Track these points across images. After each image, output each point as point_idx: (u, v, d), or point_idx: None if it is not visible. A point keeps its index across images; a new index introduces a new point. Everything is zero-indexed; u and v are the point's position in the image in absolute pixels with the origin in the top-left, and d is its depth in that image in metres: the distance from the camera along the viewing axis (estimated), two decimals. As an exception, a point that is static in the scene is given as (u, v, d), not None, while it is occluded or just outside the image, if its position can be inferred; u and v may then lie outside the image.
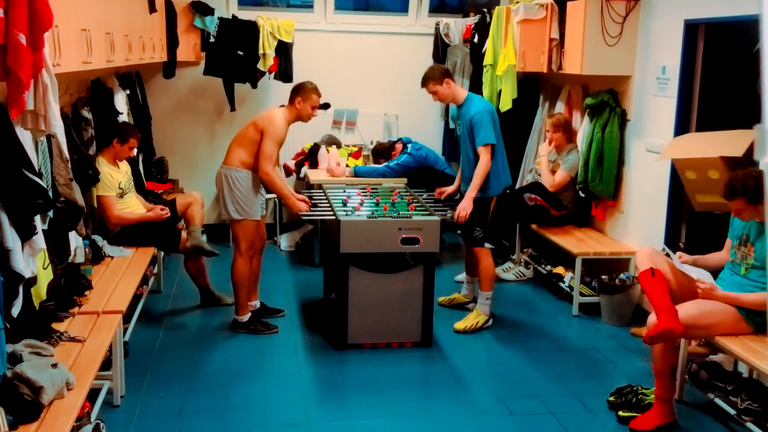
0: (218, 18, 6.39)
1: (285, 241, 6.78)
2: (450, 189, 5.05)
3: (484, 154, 4.50)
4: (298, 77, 6.25)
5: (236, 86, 6.69)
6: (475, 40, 6.53)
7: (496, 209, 4.70)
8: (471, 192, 4.58)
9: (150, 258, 4.74)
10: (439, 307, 4.66)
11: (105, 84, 5.24)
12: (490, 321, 4.76)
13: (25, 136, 2.99)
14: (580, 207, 5.65)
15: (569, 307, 5.31)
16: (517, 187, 6.08)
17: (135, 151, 5.13)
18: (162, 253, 5.49)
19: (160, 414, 3.64)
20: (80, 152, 4.20)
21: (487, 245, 4.71)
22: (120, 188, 4.80)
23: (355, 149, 6.78)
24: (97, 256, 4.42)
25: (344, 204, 4.73)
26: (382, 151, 6.50)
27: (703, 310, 3.47)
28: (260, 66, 6.48)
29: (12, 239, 2.84)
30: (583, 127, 5.51)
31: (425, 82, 4.63)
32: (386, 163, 6.16)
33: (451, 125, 7.02)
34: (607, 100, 5.21)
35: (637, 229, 5.15)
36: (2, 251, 2.81)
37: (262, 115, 4.65)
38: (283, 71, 6.64)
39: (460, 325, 4.73)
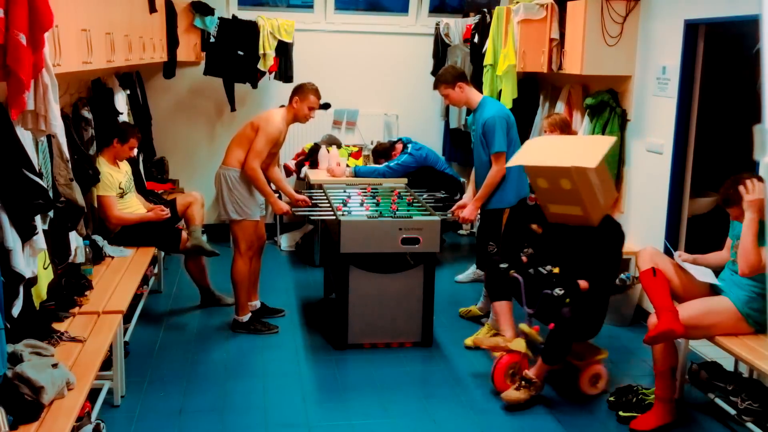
0: (218, 18, 6.40)
1: (285, 241, 6.79)
2: (463, 204, 4.84)
3: (495, 164, 4.35)
4: (298, 77, 6.26)
5: (236, 86, 6.69)
6: (475, 40, 6.54)
7: (510, 221, 4.47)
8: (477, 201, 4.48)
9: (150, 258, 4.74)
10: (437, 307, 4.64)
11: (105, 84, 5.25)
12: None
13: (25, 136, 2.99)
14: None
15: (569, 307, 5.30)
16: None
17: (135, 151, 5.13)
18: (162, 253, 5.50)
19: (160, 414, 3.64)
20: (80, 152, 4.20)
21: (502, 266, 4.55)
22: (120, 188, 4.80)
23: (356, 149, 6.78)
24: (97, 256, 4.42)
25: (344, 204, 4.73)
26: (382, 151, 6.50)
27: (703, 311, 3.47)
28: (260, 66, 6.49)
29: (12, 239, 2.84)
30: (583, 127, 5.51)
31: (436, 85, 4.51)
32: (386, 163, 6.16)
33: (447, 123, 7.04)
34: (607, 100, 5.21)
35: (637, 229, 5.15)
36: (3, 251, 2.81)
37: (260, 115, 4.66)
38: (284, 71, 6.65)
39: (470, 340, 4.58)
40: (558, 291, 3.67)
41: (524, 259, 4.07)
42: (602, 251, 3.80)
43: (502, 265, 4.06)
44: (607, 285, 3.86)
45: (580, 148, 3.84)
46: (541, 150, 3.99)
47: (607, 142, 3.86)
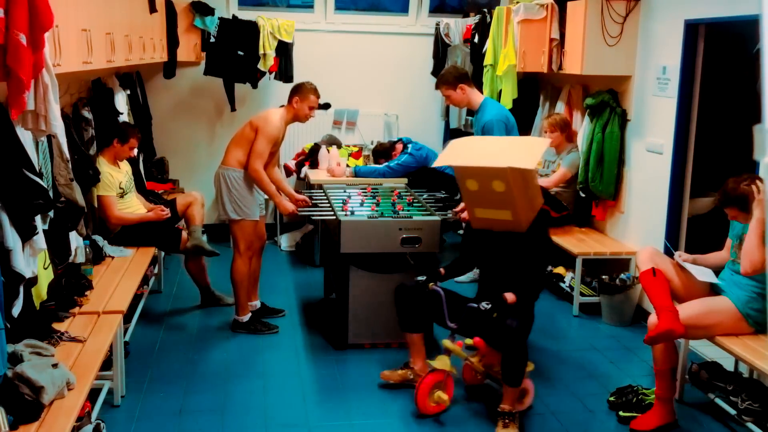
0: (218, 18, 6.40)
1: (285, 241, 6.79)
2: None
3: None
4: (298, 77, 6.26)
5: (236, 86, 6.69)
6: (476, 40, 6.54)
7: None
8: None
9: (150, 258, 4.74)
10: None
11: (105, 84, 5.25)
12: None
13: (25, 136, 2.99)
14: (580, 207, 5.65)
15: (569, 307, 5.31)
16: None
17: (135, 151, 5.13)
18: (162, 253, 5.50)
19: (160, 414, 3.64)
20: (81, 152, 4.21)
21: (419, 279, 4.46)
22: (120, 188, 4.80)
23: (356, 149, 6.78)
24: (97, 256, 4.42)
25: (344, 203, 4.73)
26: (382, 151, 6.50)
27: (703, 311, 3.47)
28: (260, 66, 6.49)
29: (13, 239, 2.84)
30: (583, 127, 5.51)
31: (438, 85, 4.48)
32: (386, 163, 6.16)
33: (447, 123, 7.03)
34: (607, 100, 5.21)
35: (638, 229, 5.15)
36: (3, 251, 2.81)
37: (259, 115, 4.67)
38: (284, 71, 6.65)
39: (469, 340, 4.60)
40: (485, 305, 3.44)
41: (442, 271, 3.86)
42: (530, 259, 3.62)
43: (419, 278, 3.80)
44: (534, 295, 3.64)
45: (514, 150, 3.65)
46: (471, 150, 3.79)
47: (542, 144, 3.71)
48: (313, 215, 4.68)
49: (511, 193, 3.45)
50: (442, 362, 3.69)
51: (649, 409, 3.63)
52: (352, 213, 4.47)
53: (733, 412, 3.53)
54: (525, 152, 3.54)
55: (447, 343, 3.73)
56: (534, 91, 6.46)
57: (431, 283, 3.76)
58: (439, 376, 3.68)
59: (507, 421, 3.49)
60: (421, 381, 3.67)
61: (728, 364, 3.86)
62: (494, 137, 4.23)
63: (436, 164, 3.97)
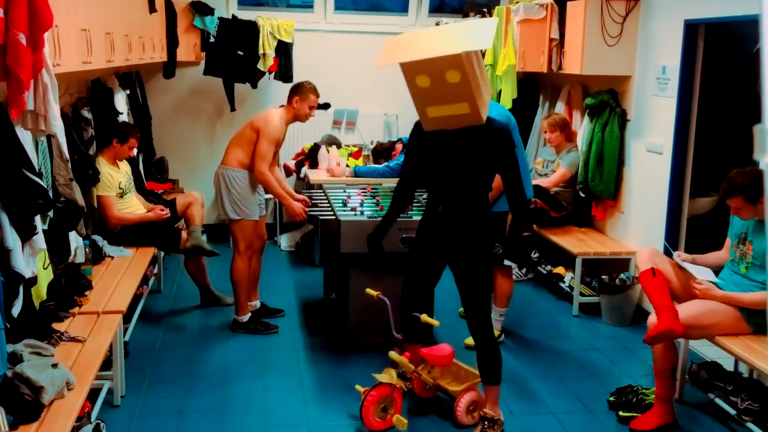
0: (218, 18, 6.40)
1: (285, 241, 6.79)
2: None
3: None
4: (298, 77, 6.25)
5: (236, 86, 6.69)
6: (475, 40, 6.53)
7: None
8: None
9: (150, 258, 4.74)
10: (437, 307, 4.64)
11: (105, 84, 5.25)
12: (502, 336, 4.69)
13: (25, 136, 2.99)
14: (580, 207, 5.65)
15: (569, 307, 5.31)
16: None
17: (135, 151, 5.13)
18: (162, 253, 5.50)
19: (160, 414, 3.64)
20: (80, 152, 4.20)
21: (507, 262, 4.46)
22: (120, 188, 4.80)
23: (355, 149, 6.78)
24: (97, 256, 4.42)
25: (344, 204, 4.72)
26: (382, 151, 6.50)
27: (703, 310, 3.47)
28: (260, 66, 6.49)
29: (12, 239, 2.84)
30: (583, 127, 5.51)
31: None
32: (386, 163, 6.15)
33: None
34: (607, 100, 5.21)
35: (637, 229, 5.15)
36: (2, 251, 2.81)
37: (259, 115, 4.66)
38: (283, 71, 6.65)
39: (471, 340, 4.51)
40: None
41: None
42: (503, 161, 3.28)
43: (369, 291, 3.69)
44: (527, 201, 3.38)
45: (462, 34, 3.22)
46: (414, 44, 3.34)
47: (492, 23, 3.30)
48: (319, 215, 4.67)
49: (467, 81, 3.09)
50: (387, 376, 3.53)
51: (649, 409, 3.64)
52: (363, 213, 4.47)
53: (733, 412, 3.53)
54: (475, 34, 3.17)
55: (393, 354, 3.59)
56: (534, 91, 6.46)
57: (377, 293, 3.62)
58: (384, 390, 3.50)
59: (486, 425, 3.41)
60: (366, 395, 3.50)
61: (728, 364, 3.86)
62: (433, 28, 3.85)
63: (379, 64, 3.37)
